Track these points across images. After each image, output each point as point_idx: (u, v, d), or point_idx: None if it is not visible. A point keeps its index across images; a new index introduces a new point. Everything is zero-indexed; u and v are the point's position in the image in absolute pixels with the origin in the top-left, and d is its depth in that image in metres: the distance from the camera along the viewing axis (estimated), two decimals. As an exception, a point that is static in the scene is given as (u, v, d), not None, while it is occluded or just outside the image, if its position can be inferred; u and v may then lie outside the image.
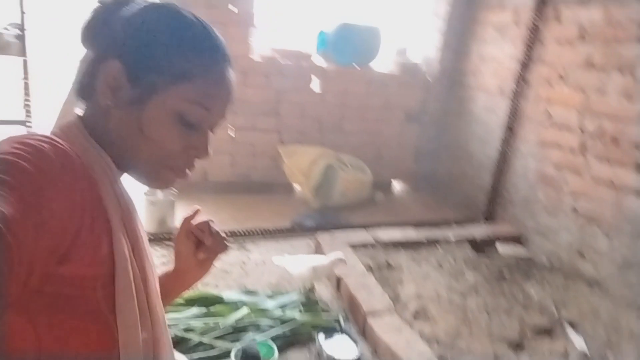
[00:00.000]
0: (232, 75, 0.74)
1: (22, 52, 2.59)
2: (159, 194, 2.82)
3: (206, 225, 0.90)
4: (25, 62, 2.62)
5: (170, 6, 0.71)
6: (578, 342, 1.95)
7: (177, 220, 2.81)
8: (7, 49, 2.55)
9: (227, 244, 0.93)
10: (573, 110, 2.67)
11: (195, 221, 0.91)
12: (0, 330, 0.55)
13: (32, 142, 0.57)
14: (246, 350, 1.22)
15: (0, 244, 0.47)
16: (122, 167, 0.72)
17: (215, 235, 0.90)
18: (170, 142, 0.70)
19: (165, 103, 0.68)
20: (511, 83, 3.11)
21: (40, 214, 0.53)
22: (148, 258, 0.77)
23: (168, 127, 0.69)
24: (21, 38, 2.57)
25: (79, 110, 0.74)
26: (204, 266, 0.94)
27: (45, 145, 0.58)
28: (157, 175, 0.73)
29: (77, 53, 0.76)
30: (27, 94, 2.68)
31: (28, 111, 2.71)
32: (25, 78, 2.65)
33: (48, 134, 0.64)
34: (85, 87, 0.72)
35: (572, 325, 2.09)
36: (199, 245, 0.91)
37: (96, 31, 0.71)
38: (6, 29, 2.57)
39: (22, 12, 2.54)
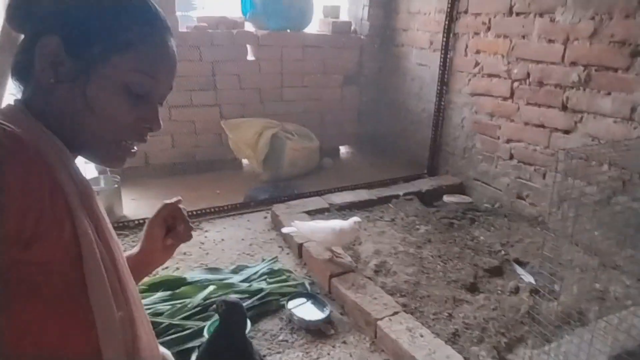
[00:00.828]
0: (174, 44, 0.73)
1: None
2: (102, 183, 2.70)
3: (179, 211, 0.93)
4: None
5: None
6: (527, 277, 2.11)
7: (125, 208, 2.72)
8: None
9: (192, 233, 0.95)
10: (500, 58, 2.80)
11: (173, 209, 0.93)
12: None
13: None
14: (226, 301, 1.25)
15: None
16: (73, 149, 0.70)
17: (185, 223, 0.93)
18: (119, 114, 0.68)
19: (110, 74, 0.66)
20: (441, 36, 3.19)
21: None
22: (113, 237, 0.76)
23: (116, 99, 0.67)
24: None
25: (17, 95, 0.70)
26: (168, 252, 0.96)
27: None
28: (108, 152, 0.72)
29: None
30: None
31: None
32: None
33: None
34: (22, 69, 0.69)
35: (519, 262, 2.26)
36: (168, 232, 0.94)
37: (25, 10, 0.67)
38: None
39: None
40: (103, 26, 0.65)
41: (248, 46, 3.47)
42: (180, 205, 0.94)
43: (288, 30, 3.56)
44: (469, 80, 3.06)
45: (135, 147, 0.75)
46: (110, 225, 0.77)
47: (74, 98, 0.66)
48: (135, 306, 0.76)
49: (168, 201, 0.93)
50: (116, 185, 2.66)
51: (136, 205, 2.83)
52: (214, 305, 1.25)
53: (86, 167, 2.78)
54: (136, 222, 2.53)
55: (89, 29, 0.65)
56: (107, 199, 2.55)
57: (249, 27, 3.58)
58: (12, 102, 0.69)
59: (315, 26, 3.87)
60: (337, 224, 2.10)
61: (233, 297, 1.62)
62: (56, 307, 0.62)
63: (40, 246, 0.58)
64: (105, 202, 2.54)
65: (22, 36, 0.70)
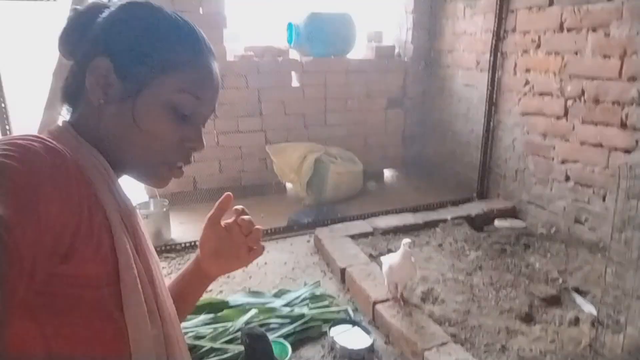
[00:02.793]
0: (217, 68, 0.75)
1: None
2: (152, 207, 2.78)
3: (237, 213, 0.89)
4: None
5: (149, 3, 0.71)
6: (587, 307, 1.96)
7: (172, 232, 2.78)
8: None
9: (259, 242, 0.89)
10: (552, 76, 2.68)
11: (229, 209, 0.89)
12: (7, 335, 0.54)
13: (21, 142, 0.56)
14: (250, 334, 1.20)
15: (0, 248, 0.46)
16: (118, 169, 0.71)
17: (243, 224, 0.87)
18: (165, 133, 0.70)
19: (157, 94, 0.68)
20: (487, 56, 3.12)
21: (38, 213, 0.52)
22: (152, 256, 0.76)
23: (162, 119, 0.69)
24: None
25: (65, 117, 0.73)
26: (227, 260, 0.89)
27: (36, 144, 0.57)
28: (153, 171, 0.73)
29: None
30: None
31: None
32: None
33: (37, 134, 0.62)
34: (71, 92, 0.72)
35: (579, 291, 2.10)
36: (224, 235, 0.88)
37: (75, 37, 0.71)
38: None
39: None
40: (151, 49, 0.68)
41: (293, 73, 3.53)
42: (240, 211, 0.89)
43: (332, 57, 3.59)
44: (519, 99, 2.95)
45: (181, 168, 0.75)
46: (151, 245, 0.78)
47: (122, 117, 0.68)
48: (171, 325, 0.75)
49: (220, 200, 0.89)
50: (165, 209, 2.74)
51: (184, 229, 2.89)
52: (240, 336, 1.19)
53: (136, 191, 2.88)
54: (183, 245, 2.57)
55: (137, 51, 0.68)
56: (155, 222, 2.62)
57: (293, 54, 3.65)
58: (60, 124, 0.71)
59: (359, 51, 3.89)
60: (388, 259, 1.96)
61: (258, 328, 1.54)
62: (90, 322, 0.62)
63: (78, 260, 0.58)
64: (153, 226, 2.61)
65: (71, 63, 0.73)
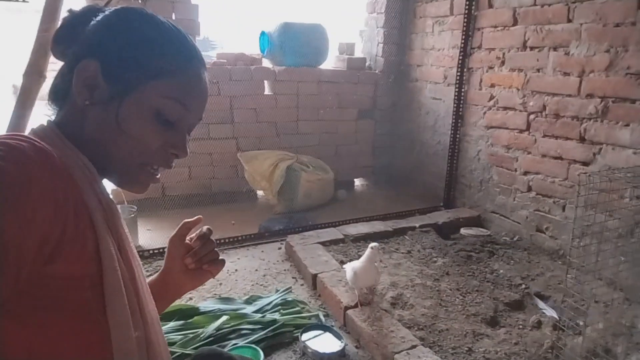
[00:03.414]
0: (207, 78, 0.76)
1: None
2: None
3: (201, 233, 0.93)
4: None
5: (143, 9, 0.72)
6: (549, 311, 2.04)
7: (140, 238, 2.72)
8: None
9: (219, 257, 0.95)
10: (515, 91, 2.81)
11: (195, 229, 0.94)
12: None
13: (9, 141, 0.56)
14: (202, 354, 1.06)
15: None
16: (100, 171, 0.71)
17: (205, 242, 0.92)
18: (148, 137, 0.70)
19: (143, 99, 0.68)
20: (455, 71, 3.23)
21: (25, 213, 0.52)
22: (135, 257, 0.76)
23: (146, 123, 0.69)
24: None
25: (50, 117, 0.73)
26: (192, 276, 0.94)
27: (24, 144, 0.57)
28: (133, 176, 0.73)
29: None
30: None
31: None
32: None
33: (25, 134, 0.62)
34: (59, 92, 0.72)
35: (541, 296, 2.18)
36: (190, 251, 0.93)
37: (67, 37, 0.71)
38: None
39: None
40: (141, 54, 0.68)
41: (265, 81, 3.55)
42: (205, 228, 0.94)
43: (304, 67, 3.64)
44: (484, 113, 3.07)
45: (159, 174, 0.76)
46: (133, 246, 0.78)
47: (106, 120, 0.68)
48: (153, 327, 0.75)
49: (188, 220, 0.93)
50: (132, 215, 2.68)
51: (151, 235, 2.84)
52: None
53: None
54: (151, 252, 2.53)
55: (126, 55, 0.68)
56: (123, 228, 2.57)
57: (266, 63, 3.67)
58: (44, 123, 0.71)
59: (331, 62, 3.95)
60: (353, 265, 1.97)
61: (216, 349, 1.32)
62: (73, 323, 0.61)
63: (62, 261, 0.58)
64: (121, 231, 2.55)
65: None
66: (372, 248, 1.92)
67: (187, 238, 0.93)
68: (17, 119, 1.46)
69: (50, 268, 0.57)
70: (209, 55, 3.46)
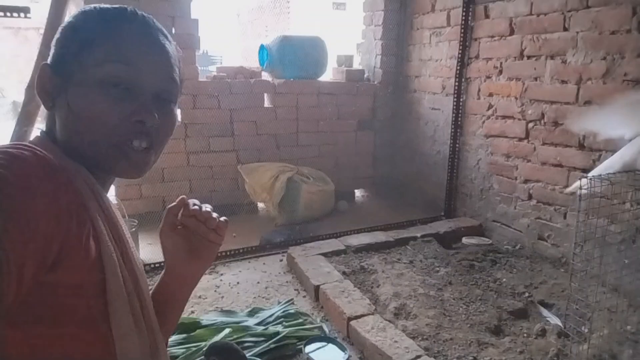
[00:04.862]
0: (164, 39, 0.72)
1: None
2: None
3: (186, 209, 0.81)
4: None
5: (94, 6, 0.72)
6: (553, 319, 2.03)
7: (141, 252, 2.72)
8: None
9: (219, 218, 0.82)
10: (513, 100, 2.82)
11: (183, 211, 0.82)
12: None
13: (12, 150, 0.56)
14: (215, 346, 1.05)
15: None
16: (90, 170, 0.69)
17: (198, 214, 0.80)
18: (101, 112, 0.66)
19: (84, 76, 0.67)
20: (453, 81, 3.25)
21: (27, 222, 0.52)
22: (137, 264, 0.75)
23: (95, 97, 0.66)
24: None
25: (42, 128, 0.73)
26: (201, 255, 0.83)
27: (26, 152, 0.57)
28: (113, 159, 0.68)
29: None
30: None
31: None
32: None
33: (27, 143, 0.62)
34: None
35: (544, 304, 2.17)
36: (188, 236, 0.82)
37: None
38: None
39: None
40: (71, 35, 0.69)
41: (265, 94, 3.57)
42: (192, 203, 0.81)
43: (303, 79, 3.66)
44: (483, 122, 3.08)
45: (141, 144, 0.69)
46: (136, 253, 0.76)
47: (65, 114, 0.68)
48: (157, 334, 0.74)
49: (172, 205, 0.82)
50: (133, 229, 2.67)
51: (153, 249, 2.83)
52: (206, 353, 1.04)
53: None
54: (152, 265, 2.52)
55: (62, 44, 0.70)
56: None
57: (266, 76, 3.70)
58: (39, 134, 0.72)
59: (329, 74, 3.98)
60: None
61: (229, 343, 1.39)
62: (77, 331, 0.61)
63: (65, 269, 0.58)
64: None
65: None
66: None
67: (177, 223, 0.82)
68: (19, 134, 1.47)
69: (53, 276, 0.57)
70: (210, 71, 3.48)
